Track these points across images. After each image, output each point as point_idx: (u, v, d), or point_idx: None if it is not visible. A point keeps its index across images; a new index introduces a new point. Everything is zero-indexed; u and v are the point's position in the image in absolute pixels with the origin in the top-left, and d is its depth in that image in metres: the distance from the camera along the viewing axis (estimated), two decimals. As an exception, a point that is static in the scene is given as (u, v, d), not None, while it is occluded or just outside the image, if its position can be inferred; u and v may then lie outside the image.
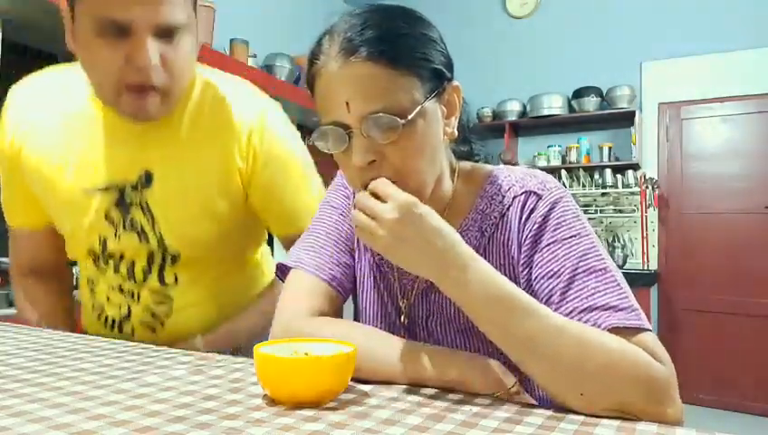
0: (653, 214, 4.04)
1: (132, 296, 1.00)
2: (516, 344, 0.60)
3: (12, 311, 1.86)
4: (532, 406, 0.60)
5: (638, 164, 4.00)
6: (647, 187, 3.96)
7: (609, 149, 4.13)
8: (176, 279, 0.99)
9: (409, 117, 0.63)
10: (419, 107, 0.64)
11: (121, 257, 0.98)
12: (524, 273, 0.72)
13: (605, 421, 0.55)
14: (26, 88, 1.00)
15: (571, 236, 0.69)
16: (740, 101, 3.85)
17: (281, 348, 0.64)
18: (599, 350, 0.58)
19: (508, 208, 0.74)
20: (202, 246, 0.98)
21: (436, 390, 0.65)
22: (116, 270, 1.00)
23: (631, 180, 4.01)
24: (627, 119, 4.05)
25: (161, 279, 0.99)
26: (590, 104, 4.11)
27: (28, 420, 0.52)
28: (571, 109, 4.22)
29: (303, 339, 0.68)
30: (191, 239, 0.97)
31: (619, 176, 4.06)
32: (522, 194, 0.74)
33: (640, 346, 0.60)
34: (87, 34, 0.83)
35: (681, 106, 4.04)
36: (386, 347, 0.69)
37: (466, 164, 0.82)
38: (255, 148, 0.95)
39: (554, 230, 0.70)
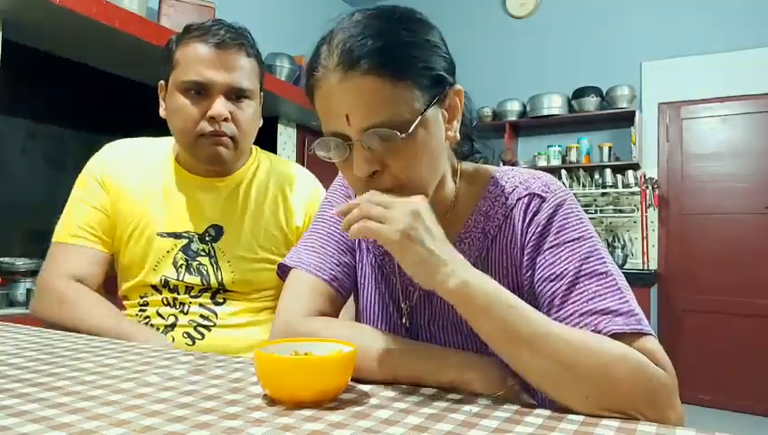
0: (653, 214, 4.04)
1: (182, 308, 1.11)
2: (518, 348, 0.59)
3: (12, 311, 1.86)
4: (532, 406, 0.60)
5: (638, 164, 3.99)
6: (647, 187, 3.95)
7: (609, 149, 4.12)
8: (224, 300, 1.12)
9: (410, 130, 0.63)
10: (420, 117, 0.63)
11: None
12: (527, 275, 0.72)
13: (605, 421, 0.55)
14: (121, 148, 1.19)
15: (573, 240, 0.68)
16: (740, 101, 3.85)
17: (281, 348, 0.64)
18: (599, 352, 0.58)
19: (511, 210, 0.74)
20: (255, 286, 1.14)
21: (436, 390, 0.65)
22: (172, 290, 1.12)
23: (631, 180, 4.01)
24: (627, 119, 4.04)
25: (213, 297, 1.12)
26: (590, 104, 4.10)
27: (28, 419, 0.52)
28: (571, 109, 4.21)
29: (304, 339, 0.68)
30: (248, 283, 1.13)
31: (619, 176, 4.06)
32: (525, 196, 0.74)
33: (641, 351, 0.60)
34: (176, 95, 1.07)
35: (681, 106, 4.03)
36: (386, 347, 0.69)
37: (469, 165, 0.82)
38: (310, 214, 1.17)
39: (557, 233, 0.70)
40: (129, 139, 1.22)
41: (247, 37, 1.11)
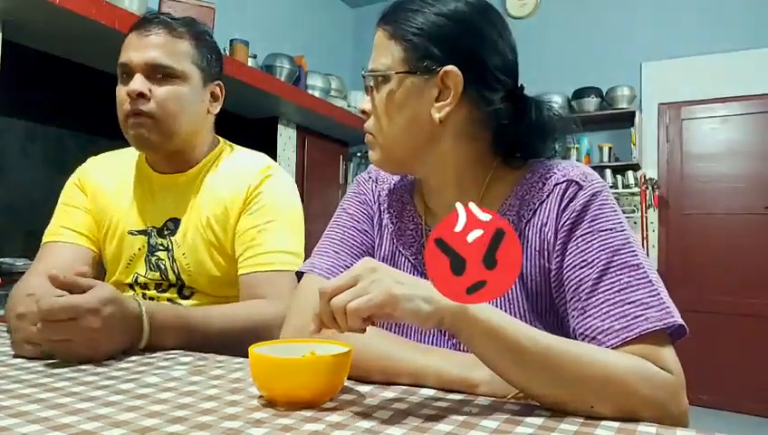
0: (653, 214, 4.04)
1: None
2: (525, 369, 0.58)
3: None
4: (533, 406, 0.60)
5: (638, 164, 3.99)
6: (647, 187, 3.96)
7: (610, 149, 4.12)
8: (191, 293, 1.13)
9: (370, 73, 0.74)
10: (389, 73, 0.73)
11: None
12: (557, 260, 0.72)
13: (605, 422, 0.55)
14: (98, 158, 1.25)
15: (607, 229, 0.69)
16: (740, 101, 3.85)
17: (279, 349, 0.64)
18: (603, 365, 0.58)
19: (548, 196, 0.74)
20: (213, 282, 1.12)
21: (436, 390, 0.65)
22: (143, 287, 1.14)
23: (631, 181, 4.01)
24: (627, 119, 4.04)
25: (180, 292, 1.13)
26: (590, 104, 4.10)
27: (28, 420, 0.52)
28: (571, 109, 4.21)
29: (302, 340, 0.67)
30: (204, 277, 1.11)
31: (619, 176, 4.06)
32: (563, 182, 0.74)
33: (650, 355, 0.60)
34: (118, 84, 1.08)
35: (681, 106, 4.03)
36: (390, 344, 0.69)
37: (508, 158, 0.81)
38: (251, 195, 1.11)
39: (591, 221, 0.70)
40: (104, 154, 1.26)
41: (181, 22, 1.10)
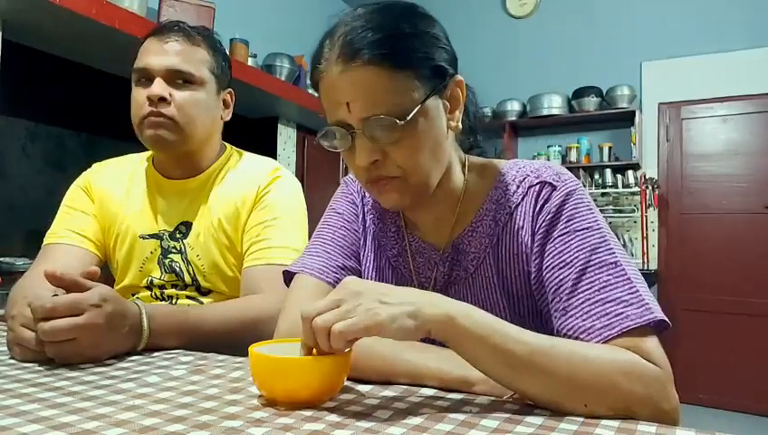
0: (653, 214, 4.04)
1: (170, 301, 1.15)
2: (516, 371, 0.58)
3: (12, 311, 1.86)
4: (532, 406, 0.60)
5: (638, 164, 4.00)
6: (647, 187, 3.96)
7: (610, 149, 4.13)
8: (210, 291, 1.14)
9: (409, 117, 0.64)
10: (419, 106, 0.65)
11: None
12: (536, 262, 0.72)
13: (605, 421, 0.55)
14: (103, 164, 1.26)
15: (583, 229, 0.69)
16: (740, 101, 3.85)
17: (279, 348, 0.64)
18: (593, 362, 0.58)
19: (522, 198, 0.75)
20: (227, 282, 1.14)
21: (436, 390, 0.65)
22: (160, 288, 1.16)
23: (631, 180, 4.01)
24: (627, 119, 4.04)
25: (198, 289, 1.15)
26: (590, 104, 4.10)
27: (28, 419, 0.52)
28: (571, 109, 4.21)
29: (298, 339, 0.67)
30: (218, 278, 1.14)
31: (619, 176, 4.06)
32: (537, 184, 0.74)
33: (637, 350, 0.60)
34: (132, 89, 1.11)
35: (681, 106, 4.03)
36: (389, 345, 0.69)
37: (477, 159, 0.82)
38: (261, 194, 1.15)
39: (568, 221, 0.70)
40: (109, 160, 1.27)
41: (198, 30, 1.13)
